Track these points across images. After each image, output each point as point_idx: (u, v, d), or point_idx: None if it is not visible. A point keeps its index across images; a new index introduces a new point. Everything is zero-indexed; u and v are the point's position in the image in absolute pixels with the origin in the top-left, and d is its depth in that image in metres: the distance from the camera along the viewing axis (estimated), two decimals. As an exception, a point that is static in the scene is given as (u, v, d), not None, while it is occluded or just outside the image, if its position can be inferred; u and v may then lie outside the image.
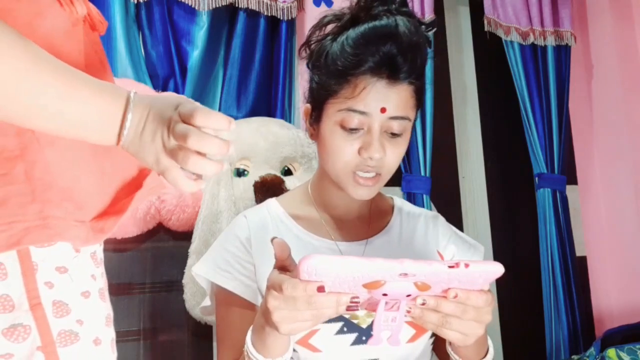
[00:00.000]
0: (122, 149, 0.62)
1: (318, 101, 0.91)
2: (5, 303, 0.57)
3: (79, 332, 0.61)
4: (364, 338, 0.87)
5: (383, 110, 0.85)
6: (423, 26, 0.91)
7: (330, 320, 0.86)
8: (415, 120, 0.92)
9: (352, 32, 0.86)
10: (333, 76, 0.87)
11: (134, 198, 0.69)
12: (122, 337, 1.55)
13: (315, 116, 0.92)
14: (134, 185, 0.71)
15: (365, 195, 0.89)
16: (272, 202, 1.02)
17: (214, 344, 1.67)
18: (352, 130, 0.86)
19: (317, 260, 0.58)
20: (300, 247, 0.93)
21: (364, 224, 0.99)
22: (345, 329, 0.87)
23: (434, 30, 0.95)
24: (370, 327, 0.87)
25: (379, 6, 0.87)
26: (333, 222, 0.98)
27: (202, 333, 1.64)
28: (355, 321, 0.88)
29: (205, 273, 0.95)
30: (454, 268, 0.59)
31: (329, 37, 0.90)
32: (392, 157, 0.88)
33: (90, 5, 0.70)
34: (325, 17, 0.93)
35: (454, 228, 1.06)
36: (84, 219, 0.63)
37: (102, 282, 0.69)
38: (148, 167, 0.63)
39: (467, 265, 0.59)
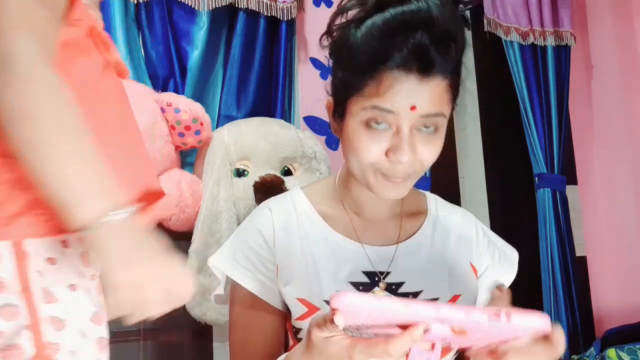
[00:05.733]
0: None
1: (341, 97, 0.82)
2: None
3: (66, 319, 0.64)
4: None
5: (413, 108, 0.75)
6: (461, 5, 0.80)
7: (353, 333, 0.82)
8: (451, 114, 0.84)
9: (377, 19, 0.76)
10: (356, 71, 0.78)
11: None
12: (122, 337, 1.55)
13: (339, 112, 0.84)
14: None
15: (395, 195, 0.82)
16: (298, 194, 0.93)
17: (214, 344, 1.67)
18: (378, 130, 0.77)
19: (351, 299, 0.55)
20: (326, 247, 0.88)
21: (395, 225, 0.91)
22: None
23: (469, 8, 0.83)
24: None
25: None
26: (361, 223, 0.90)
27: (202, 333, 1.64)
28: None
29: (223, 267, 0.88)
30: (495, 320, 0.56)
31: (351, 25, 0.80)
32: (425, 154, 0.79)
33: (118, 54, 0.78)
34: (348, 1, 0.82)
35: (488, 232, 0.99)
36: None
37: (89, 282, 0.72)
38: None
39: (509, 318, 0.56)
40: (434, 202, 0.98)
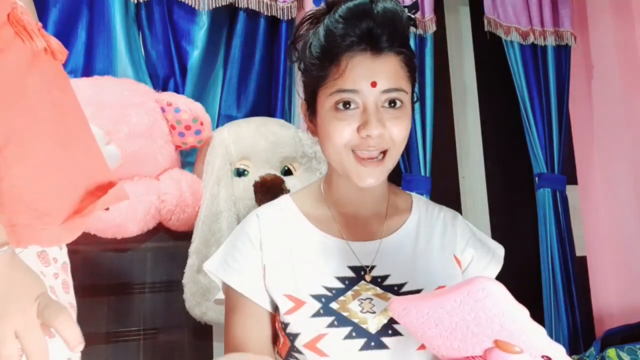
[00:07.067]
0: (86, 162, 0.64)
1: (311, 94, 0.90)
2: None
3: None
4: (372, 344, 0.84)
5: (373, 84, 0.83)
6: (406, 9, 0.90)
7: (339, 325, 0.84)
8: (413, 94, 0.90)
9: (330, 17, 0.86)
10: (317, 62, 0.86)
11: (97, 203, 0.74)
12: (122, 337, 1.55)
13: (311, 110, 0.91)
14: (97, 191, 0.75)
15: (373, 180, 0.86)
16: (285, 200, 0.99)
17: (214, 344, 1.67)
18: (347, 111, 0.84)
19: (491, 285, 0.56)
20: (312, 245, 0.92)
21: (379, 222, 0.96)
22: (353, 334, 0.84)
23: (415, 13, 0.92)
24: (379, 332, 0.85)
25: None
26: (345, 221, 0.95)
27: (202, 333, 1.64)
28: (364, 326, 0.85)
29: (215, 270, 0.94)
30: None
31: (310, 32, 0.90)
32: (395, 131, 0.84)
33: (51, 37, 0.75)
34: (304, 17, 0.92)
35: (473, 228, 1.02)
36: (53, 222, 0.68)
37: (52, 281, 0.73)
38: None
39: None
40: (419, 202, 1.02)
